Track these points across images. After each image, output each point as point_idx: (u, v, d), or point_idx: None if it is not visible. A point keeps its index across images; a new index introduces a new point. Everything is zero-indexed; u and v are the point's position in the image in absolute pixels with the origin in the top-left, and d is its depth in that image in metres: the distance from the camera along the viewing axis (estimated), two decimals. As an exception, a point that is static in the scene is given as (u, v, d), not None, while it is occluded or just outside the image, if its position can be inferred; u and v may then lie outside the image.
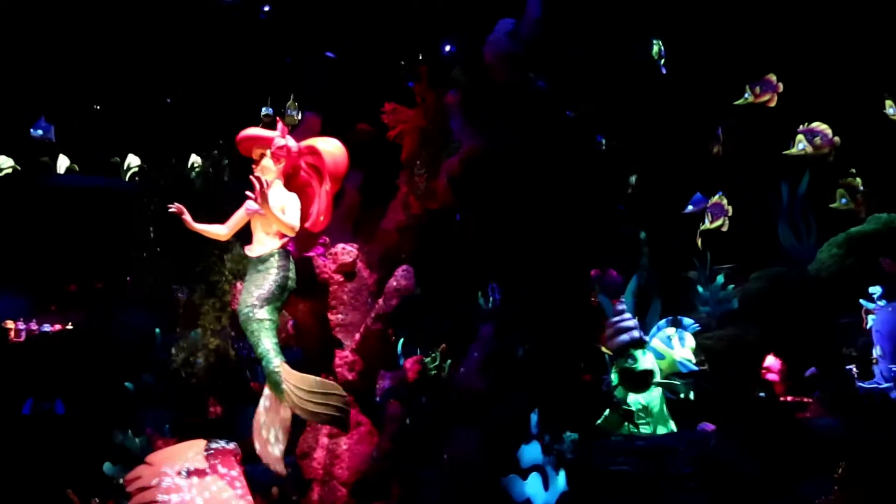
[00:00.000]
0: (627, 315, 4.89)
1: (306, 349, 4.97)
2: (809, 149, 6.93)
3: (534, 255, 5.07)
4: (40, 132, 9.22)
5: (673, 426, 4.84)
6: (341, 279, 4.76)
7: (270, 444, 4.16)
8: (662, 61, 6.69)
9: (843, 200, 6.67)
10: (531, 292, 5.10)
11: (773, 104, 7.29)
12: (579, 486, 4.37)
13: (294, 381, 4.07)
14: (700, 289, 5.79)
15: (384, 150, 5.82)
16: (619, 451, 4.32)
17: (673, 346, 4.90)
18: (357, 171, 5.66)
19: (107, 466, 5.44)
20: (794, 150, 7.09)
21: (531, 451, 5.03)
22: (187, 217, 4.46)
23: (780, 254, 6.62)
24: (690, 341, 4.94)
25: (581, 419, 4.55)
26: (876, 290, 8.99)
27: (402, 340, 6.00)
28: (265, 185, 4.14)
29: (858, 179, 6.87)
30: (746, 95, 7.26)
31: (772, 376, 10.51)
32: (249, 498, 4.41)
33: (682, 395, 4.76)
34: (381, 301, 4.52)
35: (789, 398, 9.98)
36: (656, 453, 4.20)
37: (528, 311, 5.02)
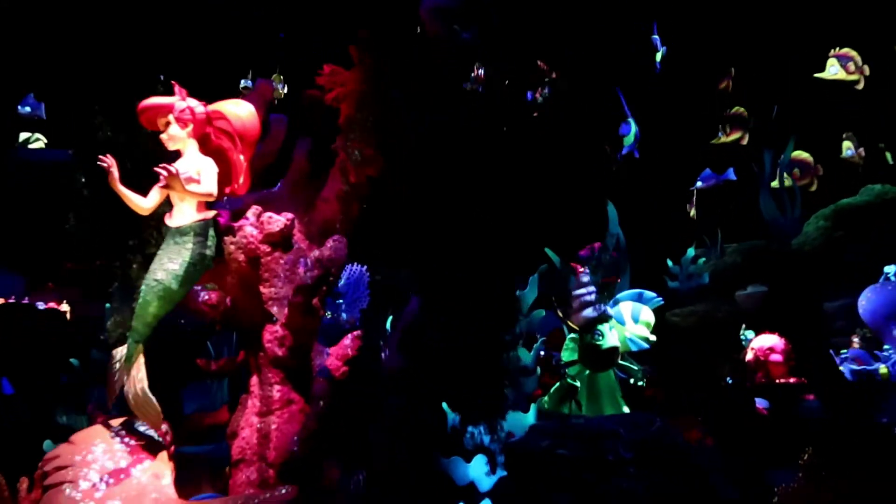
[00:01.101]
0: (592, 288, 4.54)
1: (240, 325, 4.72)
2: (842, 73, 6.44)
3: (463, 231, 4.78)
4: (28, 109, 9.06)
5: (624, 408, 4.51)
6: (270, 250, 4.48)
7: (140, 405, 4.02)
8: None
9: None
10: (456, 269, 4.80)
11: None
12: (514, 471, 4.09)
13: (135, 370, 4.02)
14: (670, 263, 5.43)
15: (336, 116, 5.54)
16: (556, 434, 4.01)
17: (625, 322, 4.55)
18: (306, 138, 5.41)
19: (47, 444, 5.28)
20: (825, 74, 6.60)
21: (477, 434, 4.77)
22: (114, 173, 4.19)
23: (763, 227, 6.27)
24: (647, 316, 4.59)
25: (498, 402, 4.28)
26: (891, 268, 8.60)
27: (390, 318, 5.77)
28: (173, 171, 3.89)
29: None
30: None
31: (775, 357, 10.14)
32: (168, 479, 4.21)
33: (633, 381, 4.44)
34: (301, 271, 4.25)
35: (792, 380, 9.63)
36: (596, 436, 3.89)
37: (450, 289, 4.72)
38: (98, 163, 4.17)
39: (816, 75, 6.43)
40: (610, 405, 4.44)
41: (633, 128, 5.83)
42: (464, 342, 4.47)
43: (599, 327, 4.30)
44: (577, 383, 4.35)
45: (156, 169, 3.88)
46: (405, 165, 4.72)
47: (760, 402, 9.64)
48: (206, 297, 4.94)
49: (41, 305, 8.67)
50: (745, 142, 6.64)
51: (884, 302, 7.94)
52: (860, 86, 6.43)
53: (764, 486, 4.63)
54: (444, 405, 4.55)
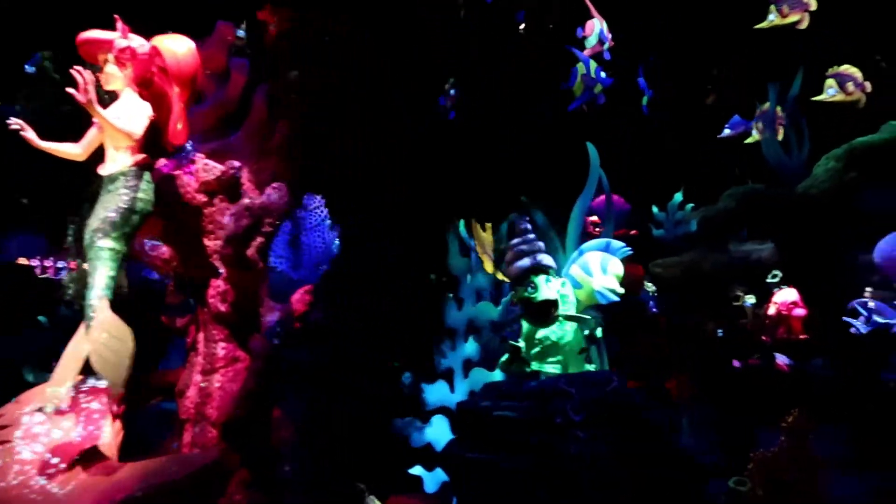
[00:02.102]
0: (531, 237, 4.14)
1: (184, 281, 4.50)
2: (841, 95, 5.89)
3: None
4: (34, 69, 8.90)
5: (591, 366, 4.17)
6: (208, 199, 4.21)
7: (56, 376, 3.75)
8: None
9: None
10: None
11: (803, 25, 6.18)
12: (462, 432, 3.82)
13: (107, 325, 3.59)
14: (655, 209, 4.99)
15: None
16: (506, 394, 3.71)
17: (592, 274, 4.17)
18: (266, 84, 5.09)
19: None
20: (823, 97, 6.06)
21: (436, 392, 4.51)
22: (29, 135, 3.95)
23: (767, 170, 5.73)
24: (615, 268, 4.19)
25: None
26: None
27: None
28: (87, 82, 3.58)
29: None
30: (772, 17, 6.15)
31: (799, 311, 9.60)
32: (107, 437, 4.06)
33: (587, 332, 4.06)
34: (228, 221, 3.97)
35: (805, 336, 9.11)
36: (545, 397, 3.57)
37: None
38: (10, 127, 3.91)
39: (814, 98, 5.88)
40: (574, 363, 4.11)
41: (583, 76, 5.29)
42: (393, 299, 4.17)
43: (534, 279, 3.92)
44: (521, 342, 4.00)
45: (68, 90, 3.58)
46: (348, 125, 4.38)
47: (781, 359, 9.17)
48: (158, 251, 4.74)
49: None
50: (804, 25, 5.93)
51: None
52: (861, 105, 5.85)
53: (749, 448, 4.29)
54: (397, 365, 4.29)
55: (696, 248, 4.91)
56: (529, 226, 4.16)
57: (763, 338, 9.12)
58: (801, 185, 5.54)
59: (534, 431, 3.48)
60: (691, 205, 5.31)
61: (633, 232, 6.86)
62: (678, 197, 5.28)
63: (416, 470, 4.32)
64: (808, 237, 5.15)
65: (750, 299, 9.61)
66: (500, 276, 4.25)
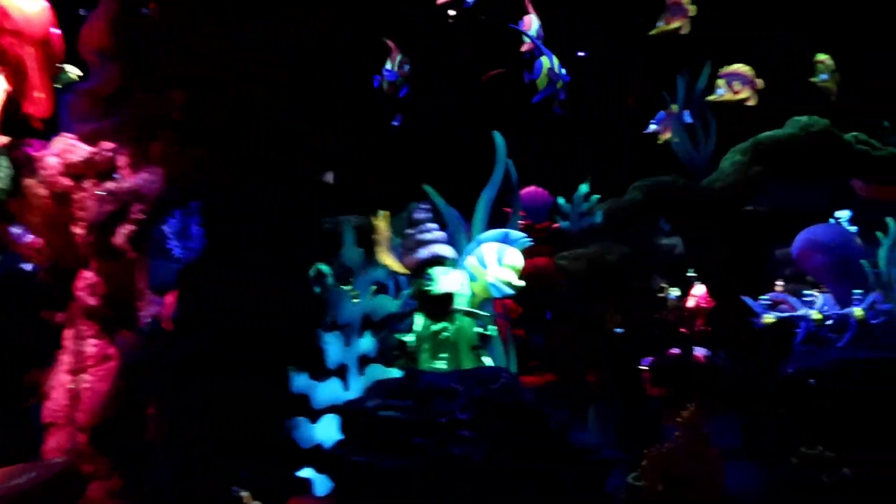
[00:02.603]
0: (432, 226, 3.96)
1: (55, 272, 4.14)
2: (729, 94, 5.94)
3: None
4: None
5: (488, 361, 4.01)
6: (74, 183, 3.87)
7: None
8: None
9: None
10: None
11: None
12: (346, 434, 3.61)
13: None
14: (561, 200, 4.87)
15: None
16: (392, 392, 3.52)
17: (487, 266, 4.02)
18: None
19: None
20: (714, 97, 6.10)
21: (327, 390, 4.29)
22: None
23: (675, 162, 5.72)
24: (513, 259, 4.04)
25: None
26: (844, 214, 8.15)
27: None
28: None
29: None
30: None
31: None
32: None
33: (484, 329, 3.90)
34: (91, 206, 3.66)
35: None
36: (430, 395, 3.40)
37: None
38: None
39: (708, 98, 5.94)
40: (469, 360, 3.95)
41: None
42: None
43: (430, 270, 3.75)
44: (409, 337, 3.82)
45: None
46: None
47: (699, 351, 9.28)
48: (29, 239, 4.36)
49: None
50: (685, 31, 5.98)
51: (824, 240, 7.58)
52: (752, 102, 5.93)
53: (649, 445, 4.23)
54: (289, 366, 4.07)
55: (601, 240, 4.82)
56: (430, 215, 3.97)
57: (682, 330, 9.24)
58: (708, 179, 5.54)
59: (418, 432, 3.30)
60: (597, 196, 5.24)
61: (555, 225, 6.77)
62: (584, 188, 5.19)
63: (306, 472, 4.10)
64: (712, 230, 5.14)
65: (674, 292, 9.73)
66: (396, 268, 4.04)
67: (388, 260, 4.05)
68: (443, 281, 3.70)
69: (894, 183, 7.97)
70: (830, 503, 4.60)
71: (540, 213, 6.85)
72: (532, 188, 7.39)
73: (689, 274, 9.60)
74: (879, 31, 6.59)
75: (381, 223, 4.15)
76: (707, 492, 4.02)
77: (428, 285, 3.68)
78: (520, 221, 6.49)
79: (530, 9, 5.26)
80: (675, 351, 9.31)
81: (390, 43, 6.18)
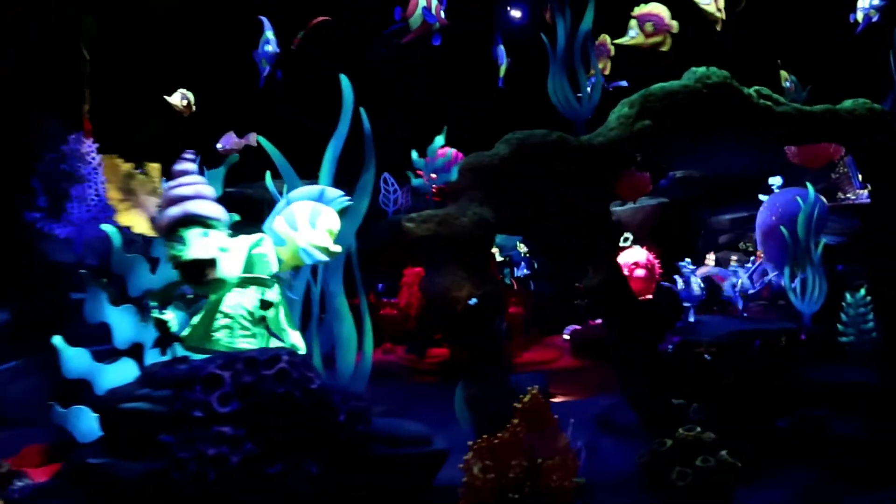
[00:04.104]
0: (193, 179, 3.27)
1: None
2: (641, 37, 5.37)
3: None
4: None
5: (294, 340, 3.43)
6: None
7: None
8: None
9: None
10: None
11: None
12: (104, 429, 3.01)
13: None
14: (415, 154, 4.25)
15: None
16: (150, 381, 2.92)
17: (298, 228, 3.41)
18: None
19: None
20: (624, 39, 5.52)
21: (115, 374, 3.67)
22: None
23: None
24: (328, 221, 3.45)
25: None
26: (776, 180, 7.72)
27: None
28: None
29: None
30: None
31: (639, 273, 9.28)
32: None
33: (267, 301, 3.28)
34: None
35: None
36: (189, 383, 2.81)
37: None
38: None
39: (615, 41, 5.37)
40: (277, 336, 3.37)
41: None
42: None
43: (183, 232, 3.11)
44: (165, 314, 3.21)
45: None
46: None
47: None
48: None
49: None
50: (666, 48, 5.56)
51: (765, 206, 7.29)
52: (666, 47, 5.39)
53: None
54: (57, 340, 3.42)
55: (456, 201, 4.24)
56: (194, 165, 3.30)
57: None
58: (592, 134, 4.98)
59: (166, 428, 2.72)
60: (453, 150, 4.63)
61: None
62: (439, 140, 4.57)
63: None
64: (587, 189, 4.60)
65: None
66: (142, 230, 3.41)
67: (133, 219, 3.41)
68: (196, 245, 3.05)
69: (806, 142, 7.60)
70: (700, 487, 4.20)
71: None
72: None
73: (621, 244, 9.20)
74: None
75: (137, 176, 3.48)
76: (552, 481, 3.55)
77: (179, 250, 3.05)
78: (433, 186, 5.95)
79: None
80: (598, 322, 8.90)
81: None
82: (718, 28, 5.15)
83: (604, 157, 4.70)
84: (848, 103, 5.78)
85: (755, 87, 5.54)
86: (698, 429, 4.45)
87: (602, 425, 5.56)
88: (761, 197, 7.31)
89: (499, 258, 11.07)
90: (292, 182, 4.13)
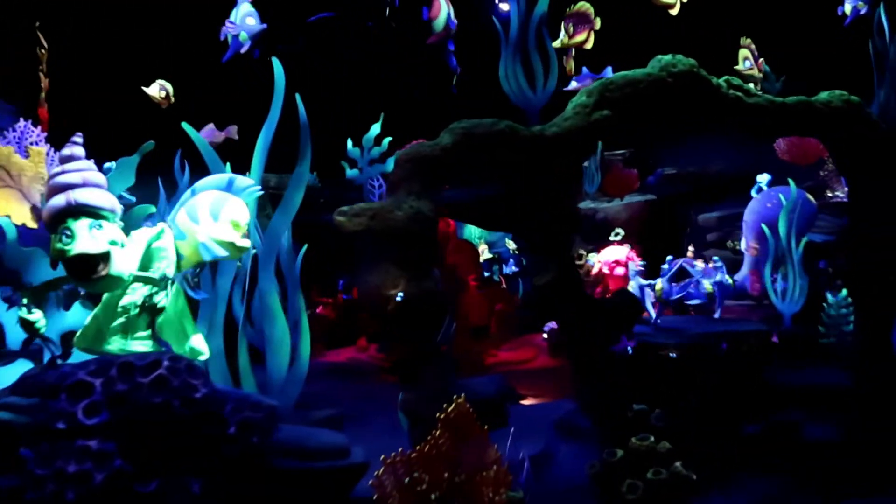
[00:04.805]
0: (82, 165, 2.96)
1: None
2: (565, 39, 5.14)
3: None
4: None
5: (196, 343, 3.17)
6: None
7: None
8: None
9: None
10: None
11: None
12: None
13: None
14: (349, 144, 3.98)
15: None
16: (23, 388, 2.66)
17: (200, 221, 3.14)
18: None
19: None
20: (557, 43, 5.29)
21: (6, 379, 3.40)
22: None
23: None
24: (234, 213, 3.17)
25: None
26: (764, 177, 7.46)
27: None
28: None
29: None
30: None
31: (619, 271, 9.00)
32: None
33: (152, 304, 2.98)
34: None
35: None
36: (56, 391, 2.55)
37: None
38: None
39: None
40: (175, 338, 3.11)
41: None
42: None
43: (70, 224, 2.83)
44: (33, 314, 2.92)
45: None
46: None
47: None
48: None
49: None
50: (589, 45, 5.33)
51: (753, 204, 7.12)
52: (589, 45, 5.17)
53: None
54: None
55: (392, 193, 3.97)
56: (80, 149, 3.01)
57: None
58: (547, 125, 4.70)
59: (26, 441, 2.46)
60: (389, 139, 4.35)
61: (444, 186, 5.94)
62: (375, 129, 4.28)
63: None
64: (537, 183, 4.32)
65: (594, 257, 9.04)
66: (21, 220, 3.13)
67: (10, 208, 3.13)
68: (84, 239, 2.77)
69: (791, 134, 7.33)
70: (651, 501, 3.94)
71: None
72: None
73: (611, 239, 8.95)
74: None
75: (17, 160, 3.19)
76: (481, 497, 3.29)
77: (66, 244, 2.76)
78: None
79: None
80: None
81: None
82: (674, 12, 4.89)
83: (557, 148, 4.42)
84: (824, 95, 5.51)
85: (725, 77, 5.27)
86: (652, 438, 4.21)
87: (564, 430, 5.31)
88: (753, 194, 7.08)
89: (487, 255, 10.83)
90: (217, 171, 3.87)
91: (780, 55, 6.79)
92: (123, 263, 2.82)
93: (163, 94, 6.83)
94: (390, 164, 4.26)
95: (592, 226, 9.92)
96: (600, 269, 8.89)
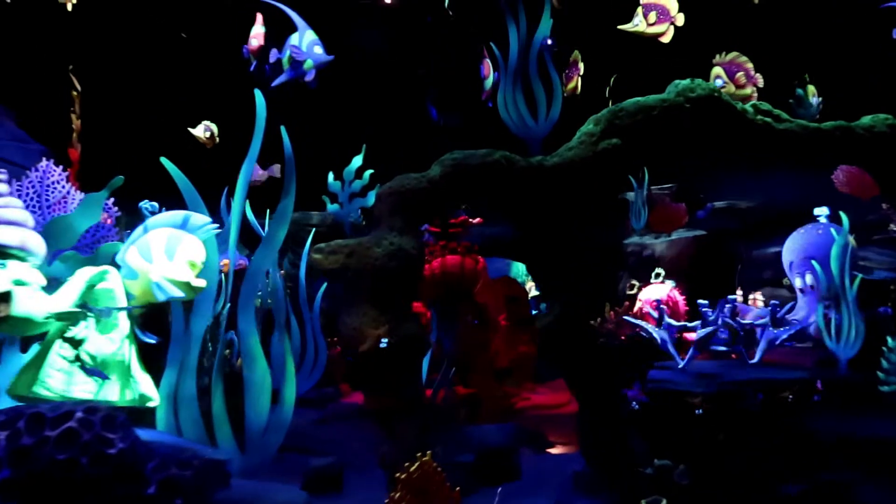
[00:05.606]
0: (8, 202, 2.82)
1: None
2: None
3: None
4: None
5: (145, 388, 2.95)
6: None
7: None
8: None
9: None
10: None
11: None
12: None
13: None
14: (331, 177, 3.76)
15: None
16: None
17: (153, 260, 2.95)
18: None
19: None
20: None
21: None
22: None
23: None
24: (190, 252, 2.97)
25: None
26: (823, 210, 6.95)
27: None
28: None
29: None
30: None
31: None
32: None
33: (73, 338, 2.78)
34: None
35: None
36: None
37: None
38: None
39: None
40: (125, 384, 2.90)
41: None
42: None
43: None
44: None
45: None
46: None
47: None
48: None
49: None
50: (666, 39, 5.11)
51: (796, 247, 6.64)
52: (666, 40, 4.87)
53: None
54: None
55: (372, 229, 3.72)
56: (7, 186, 2.87)
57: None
58: (550, 155, 4.39)
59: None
60: (370, 171, 4.11)
61: (477, 220, 5.73)
62: (357, 161, 4.05)
63: None
64: (541, 215, 3.99)
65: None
66: None
67: None
68: None
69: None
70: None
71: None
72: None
73: (656, 274, 8.52)
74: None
75: None
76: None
77: None
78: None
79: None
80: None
81: None
82: (665, 40, 4.58)
83: (557, 180, 4.10)
84: (866, 119, 5.01)
85: (752, 103, 4.86)
86: (664, 501, 3.76)
87: (581, 484, 4.89)
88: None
89: (535, 292, 10.46)
90: (196, 207, 3.72)
91: (823, 80, 6.31)
92: (30, 304, 2.64)
93: (207, 134, 6.87)
94: (370, 200, 4.02)
95: (639, 262, 9.47)
96: (640, 308, 8.43)
